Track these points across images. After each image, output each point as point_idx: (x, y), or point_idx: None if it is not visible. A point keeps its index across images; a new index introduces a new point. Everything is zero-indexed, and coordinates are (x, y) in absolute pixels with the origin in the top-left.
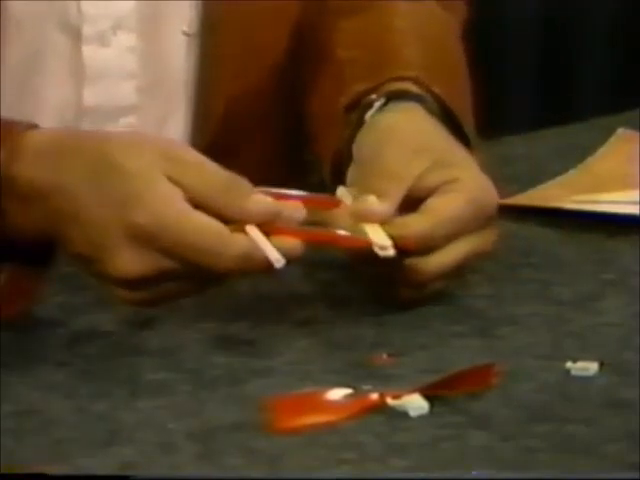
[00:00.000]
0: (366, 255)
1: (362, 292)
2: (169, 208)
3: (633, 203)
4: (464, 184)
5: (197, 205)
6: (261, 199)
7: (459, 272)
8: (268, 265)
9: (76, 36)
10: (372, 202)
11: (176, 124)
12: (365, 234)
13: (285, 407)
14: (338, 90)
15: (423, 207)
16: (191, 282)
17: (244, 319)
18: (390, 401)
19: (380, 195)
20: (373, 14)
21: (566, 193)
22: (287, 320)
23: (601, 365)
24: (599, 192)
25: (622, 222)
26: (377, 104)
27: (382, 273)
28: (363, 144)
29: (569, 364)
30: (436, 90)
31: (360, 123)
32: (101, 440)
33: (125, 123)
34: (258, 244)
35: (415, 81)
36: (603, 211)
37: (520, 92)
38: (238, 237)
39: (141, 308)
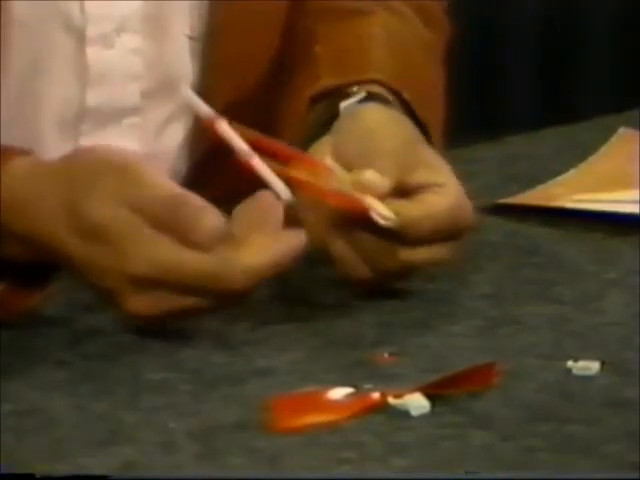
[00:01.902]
0: (356, 220)
1: (363, 292)
2: (163, 254)
3: (634, 202)
4: (450, 191)
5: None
6: (209, 218)
7: (413, 273)
8: (279, 265)
9: (80, 37)
10: (373, 175)
11: (178, 126)
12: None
13: (286, 407)
14: (310, 85)
15: (415, 198)
16: (209, 304)
17: (244, 319)
18: (391, 400)
19: (378, 172)
20: (353, 22)
21: (567, 192)
22: (288, 319)
23: (602, 365)
24: (600, 191)
25: (623, 221)
26: (357, 97)
27: (357, 251)
28: (352, 128)
29: (570, 363)
30: (406, 96)
31: (332, 112)
32: (102, 439)
33: (127, 124)
34: (267, 179)
35: (386, 86)
36: (604, 210)
37: (521, 92)
38: (239, 254)
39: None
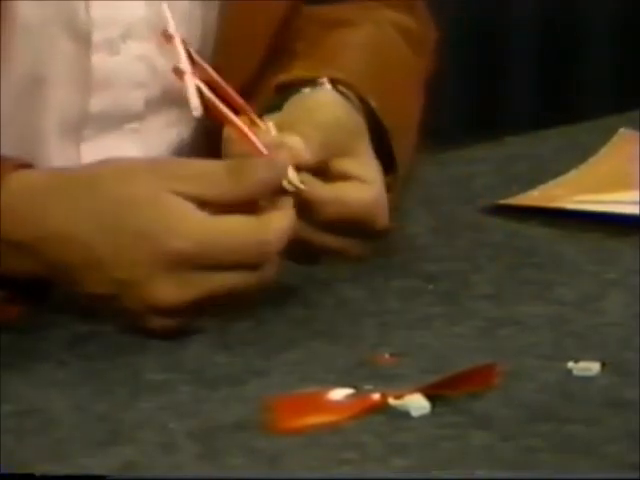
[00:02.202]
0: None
1: (363, 292)
2: (196, 224)
3: (634, 203)
4: (369, 188)
5: (220, 208)
6: (264, 163)
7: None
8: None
9: (85, 43)
10: (296, 141)
11: (178, 131)
12: None
13: (287, 407)
14: (282, 74)
15: (332, 183)
16: (243, 281)
17: (245, 319)
18: (392, 401)
19: (304, 140)
20: (338, 30)
21: (568, 193)
22: (288, 320)
23: (603, 365)
24: (601, 192)
25: (623, 222)
26: (320, 86)
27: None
28: (298, 104)
29: (571, 364)
30: (372, 104)
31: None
32: (102, 440)
33: (129, 129)
34: (188, 92)
35: (353, 89)
36: (604, 211)
37: (522, 92)
38: (271, 217)
39: (167, 337)
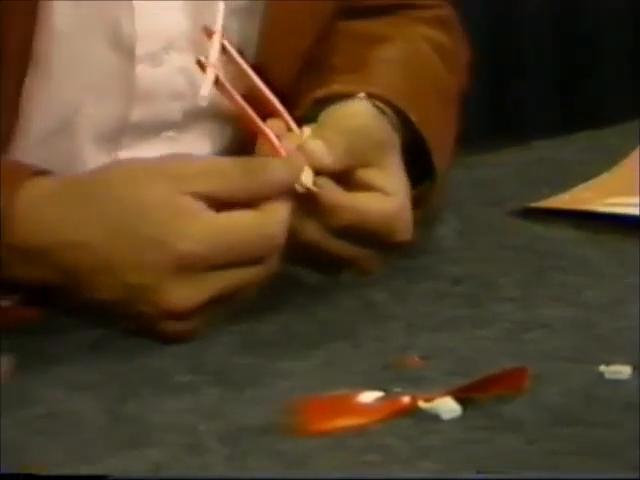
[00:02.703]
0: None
1: (389, 294)
2: (205, 226)
3: None
4: (392, 200)
5: (227, 204)
6: (278, 162)
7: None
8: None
9: (129, 55)
10: (318, 145)
11: (215, 143)
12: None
13: (316, 409)
14: (320, 88)
15: (353, 192)
16: (252, 276)
17: (271, 321)
18: (422, 404)
19: (328, 144)
20: (373, 45)
21: (597, 196)
22: (315, 322)
23: (634, 369)
24: (630, 195)
25: None
26: (360, 98)
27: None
28: (332, 112)
29: (602, 367)
30: (412, 117)
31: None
32: (129, 442)
33: (166, 137)
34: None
35: (391, 105)
36: (633, 214)
37: (550, 96)
38: (273, 210)
39: (184, 341)
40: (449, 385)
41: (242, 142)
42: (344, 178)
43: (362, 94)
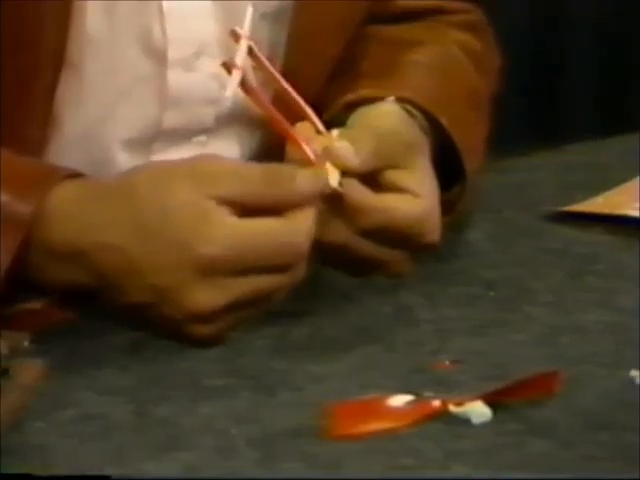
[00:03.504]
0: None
1: (422, 298)
2: (228, 230)
3: None
4: (420, 203)
5: (251, 211)
6: (305, 174)
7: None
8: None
9: (161, 60)
10: (346, 147)
11: (244, 147)
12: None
13: (346, 413)
14: (349, 93)
15: (381, 193)
16: (276, 283)
17: (305, 325)
18: (452, 408)
19: (356, 146)
20: (403, 49)
21: (630, 200)
22: (346, 326)
23: None
24: None
25: None
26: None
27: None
28: (361, 114)
29: (634, 372)
30: (442, 121)
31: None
32: (162, 445)
33: (197, 142)
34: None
35: (421, 109)
36: None
37: (582, 100)
38: (298, 217)
39: (212, 345)
40: (481, 389)
41: (271, 147)
42: (372, 179)
43: (391, 98)
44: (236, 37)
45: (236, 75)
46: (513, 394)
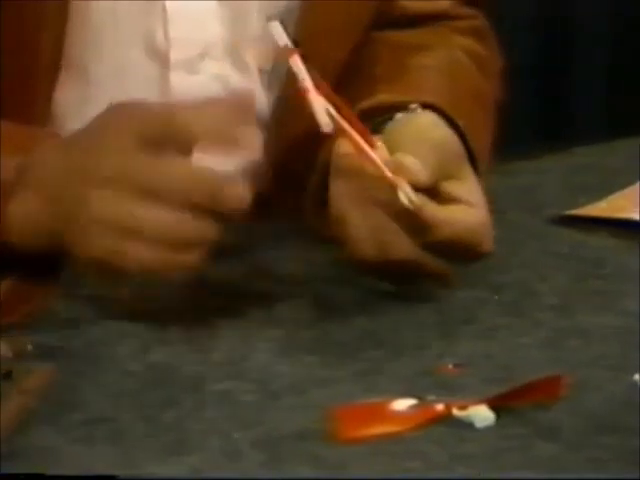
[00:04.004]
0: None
1: (427, 302)
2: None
3: None
4: (477, 213)
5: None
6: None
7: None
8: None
9: (164, 62)
10: (414, 162)
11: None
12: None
13: (350, 417)
14: (365, 99)
15: (445, 205)
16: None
17: (310, 328)
18: (456, 412)
19: (420, 160)
20: (415, 53)
21: (633, 204)
22: (352, 329)
23: None
24: None
25: None
26: (413, 111)
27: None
28: (405, 125)
29: (637, 376)
30: (461, 124)
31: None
32: (168, 449)
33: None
34: (315, 109)
35: (440, 112)
36: None
37: (590, 103)
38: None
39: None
40: (486, 393)
41: (274, 151)
42: (430, 192)
43: (415, 105)
44: (290, 53)
45: (317, 99)
46: (518, 398)
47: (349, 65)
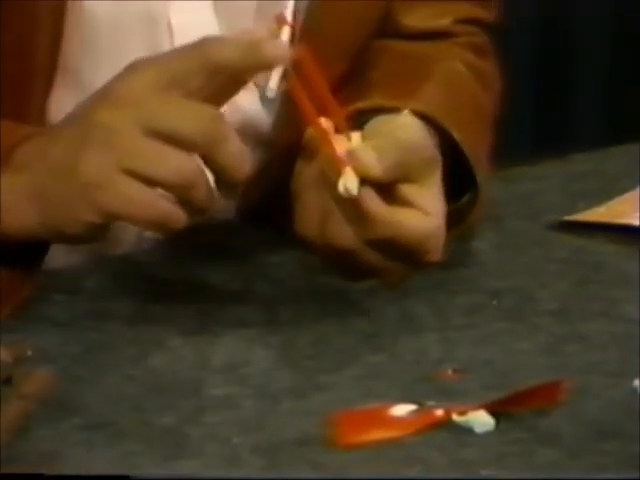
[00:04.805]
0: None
1: (427, 307)
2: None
3: None
4: (429, 221)
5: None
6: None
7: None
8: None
9: None
10: (371, 156)
11: (253, 157)
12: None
13: (350, 422)
14: (360, 101)
15: (394, 206)
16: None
17: (309, 333)
18: (455, 417)
19: (380, 154)
20: (412, 62)
21: (632, 209)
22: (352, 334)
23: None
24: None
25: None
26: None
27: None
28: (381, 121)
29: (637, 382)
30: (455, 135)
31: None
32: (168, 454)
33: None
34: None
35: (433, 123)
36: None
37: (588, 109)
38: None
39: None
40: (486, 398)
41: (271, 165)
42: (386, 190)
43: (406, 111)
44: (280, 21)
45: (286, 30)
46: (518, 403)
47: (349, 70)
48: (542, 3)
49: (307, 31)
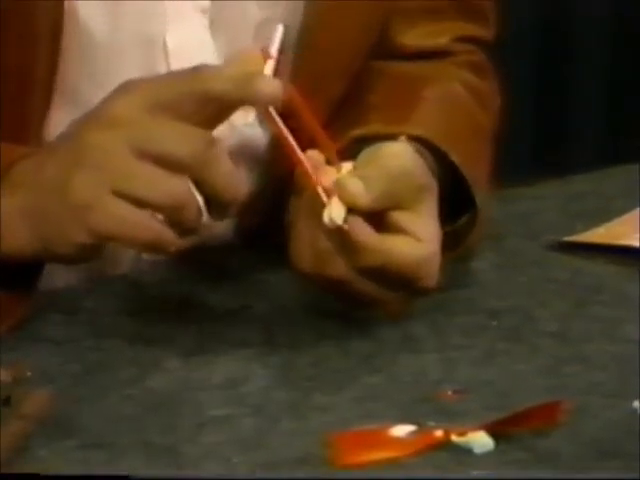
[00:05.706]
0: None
1: (426, 327)
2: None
3: None
4: (422, 247)
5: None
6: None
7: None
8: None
9: None
10: (357, 186)
11: (250, 181)
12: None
13: (349, 443)
14: (357, 127)
15: (385, 234)
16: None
17: (308, 353)
18: (455, 438)
19: (367, 184)
20: (410, 84)
21: (631, 230)
22: (351, 355)
23: None
24: None
25: None
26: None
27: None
28: (371, 151)
29: (636, 403)
30: (454, 158)
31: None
32: (167, 474)
33: None
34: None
35: (430, 147)
36: None
37: (587, 130)
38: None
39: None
40: (485, 419)
41: (268, 187)
42: (377, 218)
43: (403, 137)
44: (265, 55)
45: (270, 64)
46: (517, 424)
47: (346, 92)
48: (542, 3)
49: (304, 50)
